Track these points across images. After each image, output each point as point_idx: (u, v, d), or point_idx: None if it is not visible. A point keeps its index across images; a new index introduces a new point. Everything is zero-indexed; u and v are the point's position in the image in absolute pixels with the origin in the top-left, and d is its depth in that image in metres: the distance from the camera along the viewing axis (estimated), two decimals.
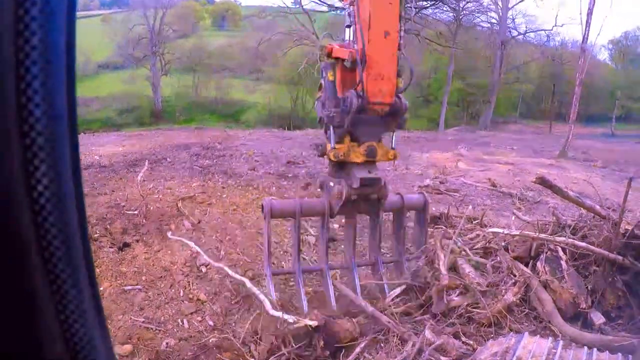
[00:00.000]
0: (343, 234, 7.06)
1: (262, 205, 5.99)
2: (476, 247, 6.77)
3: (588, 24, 22.08)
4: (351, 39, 5.61)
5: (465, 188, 12.86)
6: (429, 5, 34.08)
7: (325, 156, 5.72)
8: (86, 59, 60.83)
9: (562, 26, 63.36)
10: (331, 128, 5.54)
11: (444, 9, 39.20)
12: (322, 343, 4.77)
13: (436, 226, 8.60)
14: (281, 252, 7.75)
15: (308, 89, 50.23)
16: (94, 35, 64.49)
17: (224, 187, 10.86)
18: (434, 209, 9.86)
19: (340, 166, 5.73)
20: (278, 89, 52.52)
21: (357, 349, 4.74)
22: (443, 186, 12.79)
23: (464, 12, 43.04)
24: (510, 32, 47.59)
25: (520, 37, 49.76)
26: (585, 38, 22.67)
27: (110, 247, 7.59)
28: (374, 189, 5.68)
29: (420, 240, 6.84)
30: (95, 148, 18.77)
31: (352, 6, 5.44)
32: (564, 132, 26.66)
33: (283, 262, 7.47)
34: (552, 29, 48.38)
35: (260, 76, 56.09)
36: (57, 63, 0.77)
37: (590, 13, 21.95)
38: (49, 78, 0.75)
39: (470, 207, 10.34)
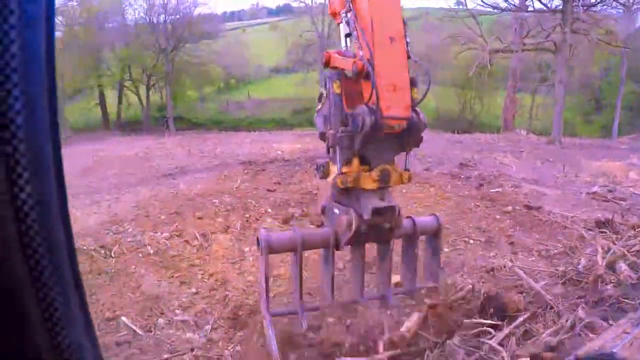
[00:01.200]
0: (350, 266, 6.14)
1: (257, 239, 5.00)
2: (634, 249, 7.31)
3: None
4: (350, 48, 5.09)
5: (634, 198, 12.86)
6: (597, 2, 32.15)
7: (329, 179, 5.01)
8: (258, 64, 64.96)
9: None
10: (337, 149, 4.71)
11: (614, 4, 36.68)
12: (492, 310, 5.77)
13: (600, 231, 9.12)
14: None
15: (477, 92, 49.78)
16: (264, 42, 68.41)
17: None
18: (599, 215, 10.31)
19: (347, 190, 4.91)
20: (446, 92, 52.55)
21: (520, 319, 5.69)
22: (611, 194, 12.91)
23: (636, 7, 39.99)
24: None
25: None
26: None
27: (310, 225, 9.13)
28: (387, 218, 4.90)
29: (432, 269, 5.94)
30: (276, 145, 20.91)
31: (348, 13, 4.81)
32: None
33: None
34: None
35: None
36: (38, 71, 0.79)
37: None
38: (29, 85, 0.76)
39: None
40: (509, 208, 10.32)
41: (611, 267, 6.88)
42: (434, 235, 5.80)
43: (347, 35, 5.03)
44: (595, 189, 13.39)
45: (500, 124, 39.88)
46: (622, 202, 12.21)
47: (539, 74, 46.76)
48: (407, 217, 5.65)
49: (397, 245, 5.79)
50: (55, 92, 0.85)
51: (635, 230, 9.23)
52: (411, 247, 5.73)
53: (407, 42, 4.68)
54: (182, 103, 53.83)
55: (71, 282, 0.89)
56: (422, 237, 5.88)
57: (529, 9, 33.70)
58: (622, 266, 6.73)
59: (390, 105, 4.45)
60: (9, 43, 0.72)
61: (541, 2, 31.62)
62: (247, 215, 9.66)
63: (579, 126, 47.82)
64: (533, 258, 8.00)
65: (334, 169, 4.83)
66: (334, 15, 5.21)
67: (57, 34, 39.23)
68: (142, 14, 51.95)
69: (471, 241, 8.65)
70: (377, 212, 4.69)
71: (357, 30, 4.59)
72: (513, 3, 33.91)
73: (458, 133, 34.57)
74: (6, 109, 0.73)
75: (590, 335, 5.29)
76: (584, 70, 45.49)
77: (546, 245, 8.53)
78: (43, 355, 0.85)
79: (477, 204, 10.18)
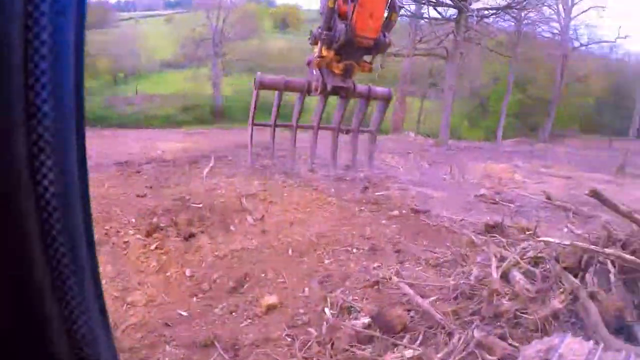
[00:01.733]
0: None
1: (254, 79, 7.14)
2: (527, 256, 6.96)
3: None
4: None
5: (520, 199, 12.88)
6: (490, 14, 33.72)
7: (314, 50, 6.73)
8: (150, 57, 62.58)
9: (625, 38, 60.95)
10: (319, 43, 6.54)
11: (506, 17, 38.71)
12: (380, 331, 5.18)
13: (490, 235, 8.80)
14: None
15: None
16: (158, 35, 66.16)
17: (284, 186, 11.23)
18: (488, 218, 10.07)
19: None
20: None
21: (405, 341, 5.07)
22: (498, 196, 12.85)
23: (526, 21, 42.64)
24: (572, 43, 47.06)
25: (583, 48, 49.07)
26: None
27: (176, 237, 8.13)
28: (344, 90, 6.94)
29: (376, 120, 8.23)
30: (159, 143, 19.47)
31: None
32: (625, 148, 25.84)
33: None
34: (615, 41, 47.45)
35: None
36: (66, 59, 0.78)
37: None
38: (57, 74, 0.75)
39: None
40: (396, 212, 9.85)
41: (504, 276, 6.45)
42: (385, 100, 7.92)
43: None
44: (483, 191, 13.28)
45: (389, 126, 40.37)
46: (510, 205, 12.13)
47: (430, 78, 47.96)
48: (366, 84, 7.61)
49: None
50: (82, 81, 0.84)
51: (525, 233, 9.01)
52: (364, 105, 7.89)
53: None
54: None
55: (89, 271, 0.89)
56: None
57: (424, 16, 34.18)
58: (517, 275, 6.31)
59: (364, 27, 5.98)
60: (40, 30, 0.72)
61: (436, 10, 32.18)
62: (108, 227, 8.47)
63: (466, 131, 49.61)
64: (421, 267, 7.48)
65: (316, 54, 6.64)
66: None
67: None
68: None
69: (354, 250, 7.96)
70: (335, 89, 6.89)
71: None
72: (409, 9, 34.37)
73: (347, 133, 34.60)
74: (34, 96, 0.73)
75: (488, 356, 4.82)
76: (474, 77, 47.32)
77: (434, 253, 8.08)
78: (58, 343, 0.84)
79: (362, 208, 9.64)
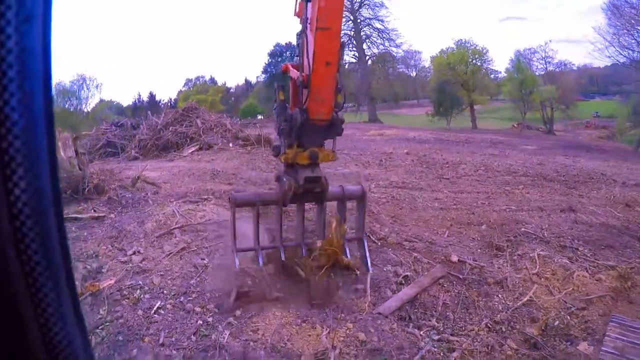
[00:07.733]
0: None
1: (229, 198, 7.45)
2: None
3: None
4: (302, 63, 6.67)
5: None
6: None
7: (280, 157, 6.94)
8: None
9: None
10: (281, 137, 6.85)
11: None
12: None
13: None
14: None
15: None
16: None
17: None
18: None
19: (291, 165, 6.97)
20: None
21: None
22: None
23: None
24: None
25: None
26: None
27: None
28: (317, 184, 6.96)
29: (361, 224, 8.00)
30: None
31: (300, 39, 6.69)
32: None
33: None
34: None
35: None
36: (34, 66, 0.77)
37: None
38: (26, 81, 0.74)
39: None
40: None
41: None
42: (359, 199, 7.83)
43: (298, 56, 6.88)
44: None
45: None
46: None
47: None
48: (339, 185, 7.88)
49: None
50: (51, 87, 0.83)
51: None
52: (342, 207, 7.74)
53: (339, 65, 6.60)
54: None
55: (63, 277, 0.88)
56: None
57: None
58: None
59: (315, 111, 6.55)
60: (6, 39, 0.72)
61: None
62: None
63: None
64: None
65: (282, 157, 6.87)
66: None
67: None
68: None
69: None
70: (307, 180, 6.86)
71: (304, 52, 6.46)
72: None
73: None
74: (2, 104, 0.72)
75: None
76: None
77: None
78: (35, 349, 0.84)
79: None
